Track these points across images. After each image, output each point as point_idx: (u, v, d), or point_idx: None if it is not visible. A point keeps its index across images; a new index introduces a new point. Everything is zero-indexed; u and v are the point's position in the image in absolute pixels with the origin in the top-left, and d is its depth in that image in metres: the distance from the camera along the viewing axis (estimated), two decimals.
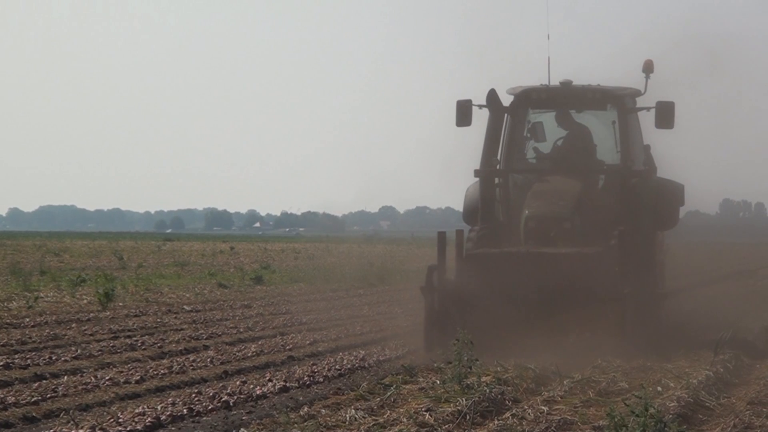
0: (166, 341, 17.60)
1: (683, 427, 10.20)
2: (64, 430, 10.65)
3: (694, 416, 11.50)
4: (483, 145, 18.11)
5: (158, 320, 21.13)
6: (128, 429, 10.68)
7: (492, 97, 18.03)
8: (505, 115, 18.26)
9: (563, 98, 18.51)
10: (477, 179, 18.43)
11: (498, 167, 18.19)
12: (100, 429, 10.60)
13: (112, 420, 10.95)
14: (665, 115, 17.60)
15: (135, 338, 17.81)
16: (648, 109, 18.09)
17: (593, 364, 14.65)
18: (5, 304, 23.84)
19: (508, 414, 11.09)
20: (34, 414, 11.42)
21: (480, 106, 18.00)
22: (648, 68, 18.08)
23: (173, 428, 10.97)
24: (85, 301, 24.96)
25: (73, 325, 19.75)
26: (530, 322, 15.83)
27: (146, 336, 18.20)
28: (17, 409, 11.64)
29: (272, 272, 41.11)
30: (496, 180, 18.21)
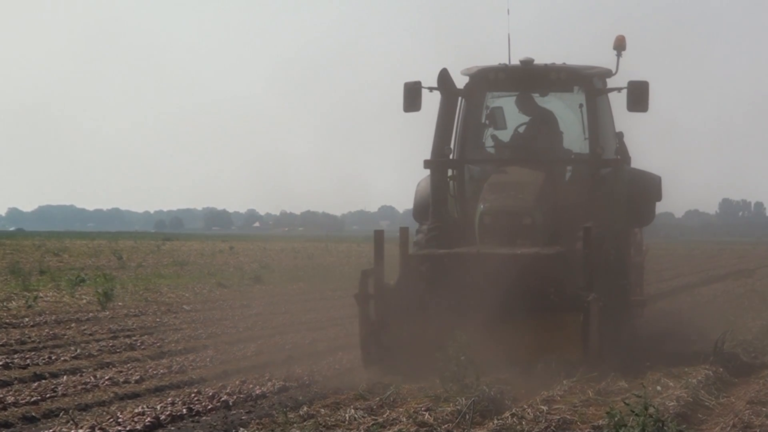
0: (166, 341, 17.60)
1: (683, 427, 10.21)
2: (63, 429, 10.65)
3: (693, 416, 11.50)
4: (434, 133, 16.39)
5: (157, 320, 21.12)
6: (128, 429, 10.68)
7: (443, 78, 16.22)
8: (460, 98, 16.51)
9: (524, 79, 16.65)
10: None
11: (451, 157, 16.44)
12: (99, 429, 10.60)
13: (111, 420, 10.95)
14: (638, 96, 15.81)
15: (134, 338, 17.81)
16: (619, 90, 16.25)
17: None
18: (5, 303, 23.83)
19: (507, 413, 11.08)
20: (33, 414, 11.43)
21: (430, 89, 16.21)
22: (619, 45, 16.42)
23: (173, 428, 10.97)
24: (84, 301, 24.96)
25: (73, 324, 19.74)
26: (479, 335, 13.53)
27: (145, 336, 18.20)
28: (17, 409, 11.65)
29: (271, 272, 41.09)
30: (450, 172, 16.50)
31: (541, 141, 16.72)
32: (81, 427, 10.65)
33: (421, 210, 16.90)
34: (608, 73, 16.68)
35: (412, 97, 16.07)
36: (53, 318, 20.81)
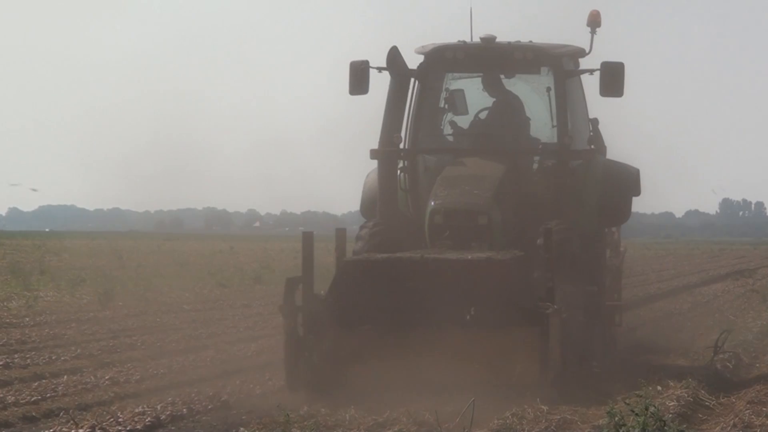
0: (166, 341, 17.59)
1: (683, 426, 10.21)
2: (63, 429, 10.65)
3: (693, 415, 11.50)
4: (383, 119, 14.67)
5: (157, 320, 21.11)
6: (128, 428, 10.69)
7: (393, 57, 14.51)
8: (413, 80, 14.77)
9: (485, 59, 14.91)
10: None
11: (402, 146, 14.69)
12: (99, 428, 10.61)
13: (111, 419, 10.95)
14: (612, 79, 14.24)
15: (134, 338, 17.80)
16: (591, 72, 14.65)
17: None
18: (5, 303, 23.82)
19: (508, 413, 11.07)
20: (33, 413, 11.44)
21: (379, 69, 14.56)
22: (594, 21, 14.81)
23: (173, 428, 10.98)
24: (84, 301, 24.95)
25: (73, 324, 19.73)
26: (420, 355, 12.20)
27: (146, 335, 18.19)
28: (17, 409, 11.65)
29: (272, 272, 41.09)
30: (401, 163, 14.73)
31: (503, 128, 15.06)
32: (81, 427, 10.65)
33: (369, 206, 15.11)
34: (580, 53, 15.11)
35: (358, 78, 14.52)
36: (54, 318, 20.80)
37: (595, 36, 14.91)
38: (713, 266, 49.92)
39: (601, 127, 15.73)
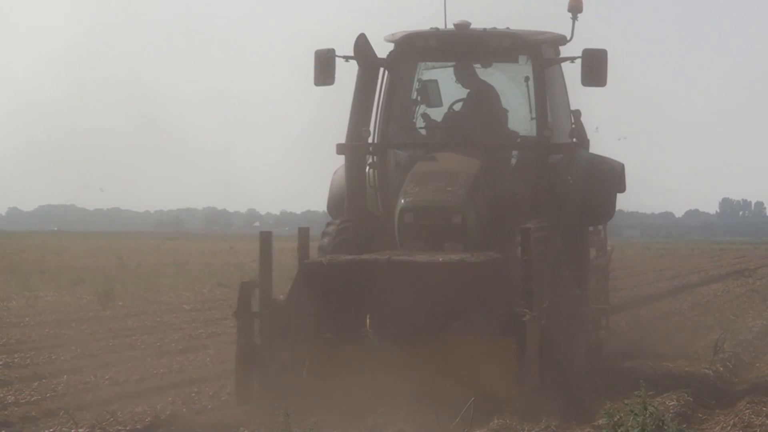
0: (166, 340, 17.60)
1: (683, 426, 10.20)
2: (63, 429, 10.65)
3: (693, 415, 11.50)
4: (350, 111, 13.80)
5: (158, 319, 21.13)
6: (128, 428, 10.69)
7: (361, 45, 13.63)
8: (382, 70, 13.89)
9: (459, 47, 13.98)
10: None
11: (371, 140, 13.80)
12: (99, 428, 10.61)
13: (111, 419, 10.96)
14: (595, 67, 13.37)
15: (134, 337, 17.81)
16: (572, 59, 13.72)
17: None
18: (5, 303, 23.84)
19: (508, 412, 11.05)
20: (33, 413, 11.44)
21: (346, 58, 13.71)
22: (575, 7, 13.91)
23: (173, 428, 10.97)
24: (84, 301, 24.97)
25: (73, 324, 19.74)
26: (390, 364, 11.16)
27: (146, 335, 18.20)
28: (17, 408, 11.66)
29: (272, 271, 41.10)
30: (370, 159, 13.84)
31: (479, 121, 14.10)
32: (81, 427, 10.66)
33: (337, 205, 14.15)
34: (561, 40, 14.21)
35: (324, 67, 13.65)
36: (54, 318, 20.82)
37: (576, 22, 14.00)
38: (713, 266, 49.92)
39: (583, 119, 14.80)
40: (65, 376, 13.74)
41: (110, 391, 12.85)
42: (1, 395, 12.27)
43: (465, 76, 14.28)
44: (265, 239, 11.96)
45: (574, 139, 14.25)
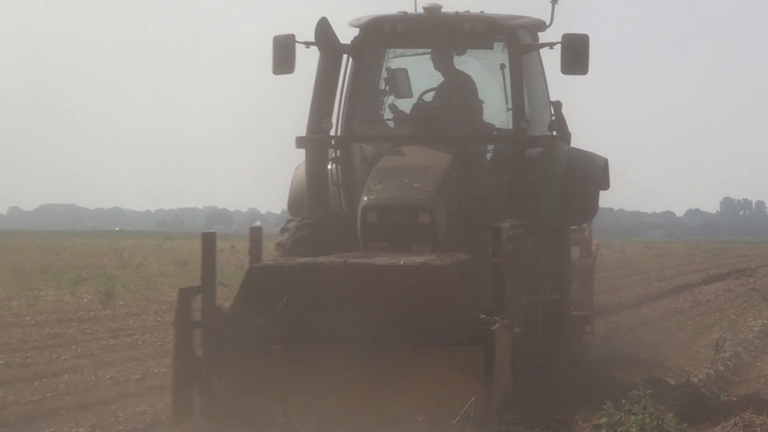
0: (167, 340, 17.57)
1: (683, 426, 10.20)
2: (64, 428, 10.66)
3: (694, 415, 11.50)
4: (311, 102, 12.80)
5: (158, 319, 21.12)
6: (128, 428, 10.70)
7: (323, 30, 12.62)
8: (346, 57, 12.89)
9: (429, 32, 12.96)
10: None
11: (334, 133, 12.74)
12: (100, 428, 10.63)
13: (112, 419, 10.97)
14: (575, 54, 12.39)
15: (135, 337, 17.83)
16: (551, 46, 12.80)
17: None
18: (6, 302, 23.83)
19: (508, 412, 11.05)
20: (34, 413, 11.45)
21: (307, 44, 12.74)
22: None
23: (173, 427, 10.97)
24: (85, 300, 24.97)
25: (74, 323, 19.75)
26: (345, 379, 9.96)
27: (146, 334, 18.21)
28: (18, 408, 11.67)
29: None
30: (332, 153, 12.80)
31: (451, 112, 13.09)
32: (82, 426, 10.67)
33: (297, 203, 13.16)
34: (540, 26, 13.18)
35: (282, 54, 12.71)
36: (54, 317, 20.82)
37: (556, 6, 12.96)
38: (714, 265, 49.91)
39: (564, 110, 13.77)
40: (66, 376, 13.75)
41: (111, 390, 12.86)
42: (2, 395, 12.28)
43: (443, 64, 13.33)
44: (208, 240, 10.67)
45: (554, 132, 13.21)
